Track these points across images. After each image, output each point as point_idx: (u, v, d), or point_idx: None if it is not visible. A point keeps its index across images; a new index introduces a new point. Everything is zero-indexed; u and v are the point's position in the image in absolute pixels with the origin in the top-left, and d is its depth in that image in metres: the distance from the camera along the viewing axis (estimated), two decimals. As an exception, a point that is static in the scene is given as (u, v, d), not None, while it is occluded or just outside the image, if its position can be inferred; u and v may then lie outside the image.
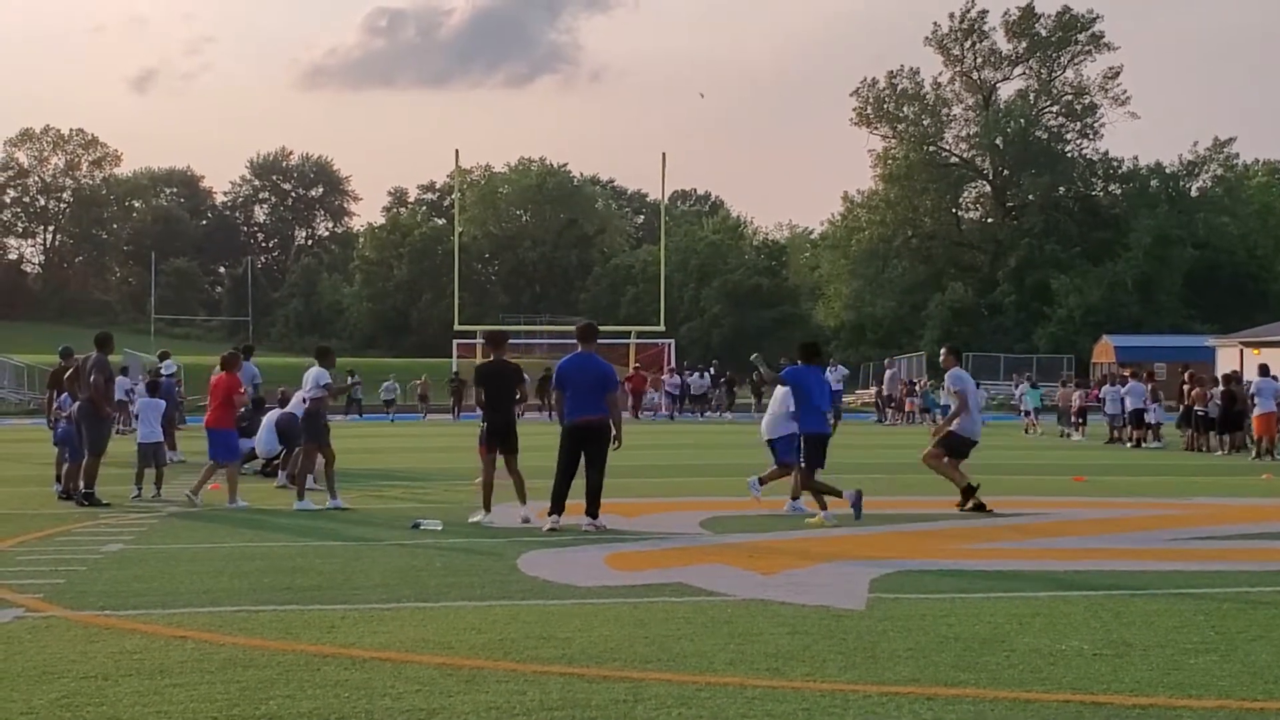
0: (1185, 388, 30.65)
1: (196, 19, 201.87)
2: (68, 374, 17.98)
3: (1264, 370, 27.50)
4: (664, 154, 68.17)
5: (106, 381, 17.42)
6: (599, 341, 15.30)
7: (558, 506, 14.34)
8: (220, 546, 13.22)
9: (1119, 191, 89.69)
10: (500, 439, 14.96)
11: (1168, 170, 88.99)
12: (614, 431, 14.58)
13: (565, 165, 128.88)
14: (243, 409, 21.34)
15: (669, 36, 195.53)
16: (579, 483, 14.25)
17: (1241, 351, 48.86)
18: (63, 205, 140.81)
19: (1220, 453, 27.98)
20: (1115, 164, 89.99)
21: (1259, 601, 9.84)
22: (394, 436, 37.47)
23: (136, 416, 21.04)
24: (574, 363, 14.77)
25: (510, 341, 15.48)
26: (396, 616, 9.26)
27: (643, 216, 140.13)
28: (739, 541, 13.41)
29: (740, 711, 6.66)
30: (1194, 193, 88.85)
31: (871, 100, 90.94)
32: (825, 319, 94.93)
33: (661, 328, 60.84)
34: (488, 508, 14.93)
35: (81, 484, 16.99)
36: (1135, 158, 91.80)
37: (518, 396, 15.50)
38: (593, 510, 14.33)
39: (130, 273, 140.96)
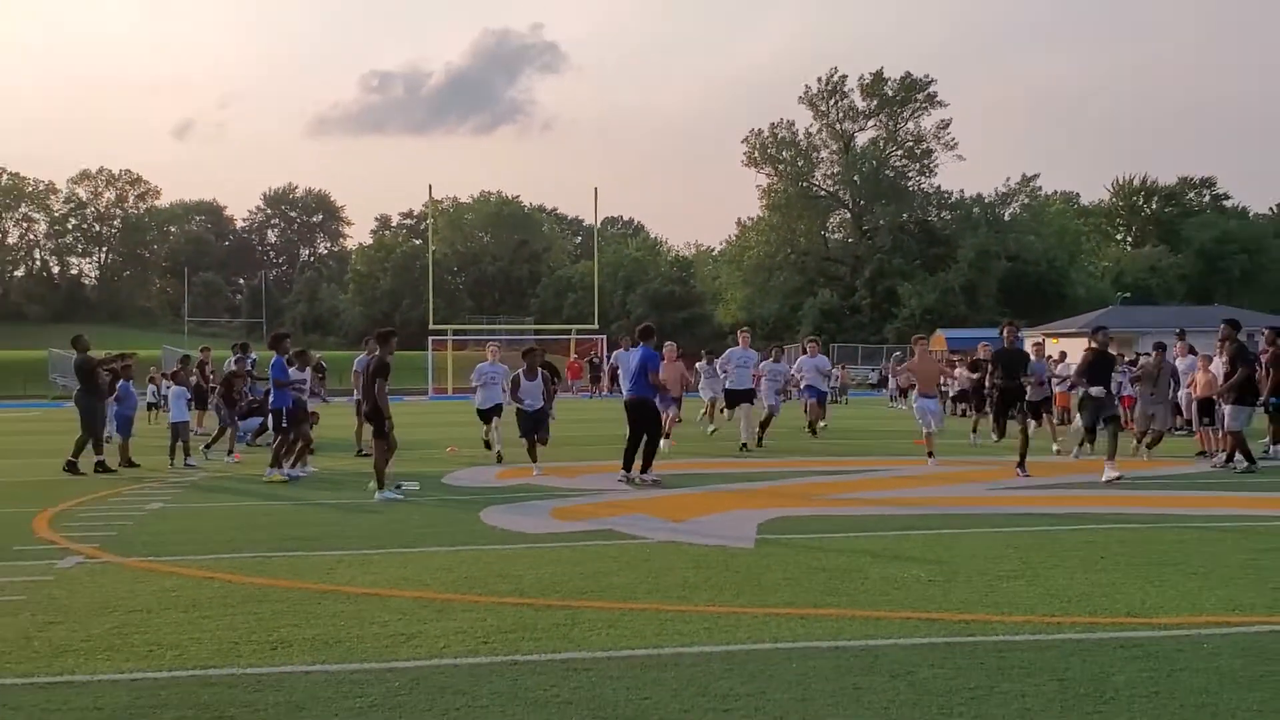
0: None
1: (228, 79, 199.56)
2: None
3: (1064, 355, 28.08)
4: (596, 188, 67.99)
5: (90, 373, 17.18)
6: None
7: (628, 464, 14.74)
8: (240, 505, 13.07)
9: (949, 217, 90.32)
10: (369, 420, 13.88)
11: (986, 200, 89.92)
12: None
13: (518, 196, 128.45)
14: (250, 393, 21.05)
15: (605, 94, 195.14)
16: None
17: (1043, 341, 49.45)
18: (113, 230, 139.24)
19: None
20: (946, 195, 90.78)
21: (1057, 538, 9.98)
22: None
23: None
24: (627, 355, 16.05)
25: (394, 338, 14.56)
26: (383, 560, 9.19)
27: (580, 238, 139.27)
28: (656, 496, 13.44)
29: (655, 630, 6.68)
30: (1007, 217, 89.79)
31: (757, 145, 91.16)
32: (724, 318, 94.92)
33: (596, 326, 60.62)
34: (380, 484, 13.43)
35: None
36: (962, 190, 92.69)
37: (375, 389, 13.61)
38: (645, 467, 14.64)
39: (168, 284, 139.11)
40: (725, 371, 21.04)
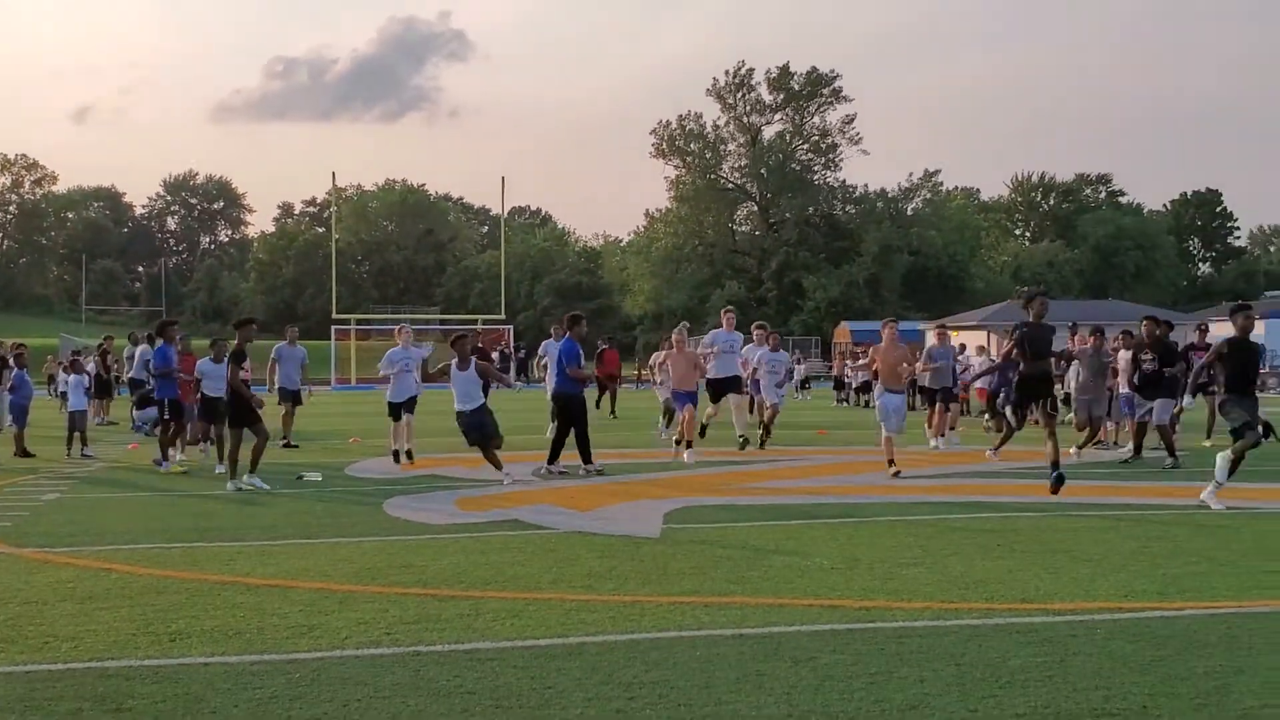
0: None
1: (131, 64, 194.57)
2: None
3: (963, 347, 28.31)
4: (503, 177, 67.48)
5: None
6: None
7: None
8: (137, 496, 12.78)
9: (854, 211, 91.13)
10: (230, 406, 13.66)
11: (890, 194, 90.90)
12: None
13: (424, 185, 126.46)
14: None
15: (513, 82, 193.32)
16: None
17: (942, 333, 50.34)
18: (9, 216, 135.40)
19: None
20: (851, 189, 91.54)
21: (954, 526, 10.18)
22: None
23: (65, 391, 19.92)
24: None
25: (254, 325, 14.47)
26: (284, 551, 9.06)
27: (486, 227, 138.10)
28: (562, 486, 13.42)
29: (560, 620, 6.67)
30: (910, 212, 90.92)
31: (666, 137, 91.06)
32: (632, 309, 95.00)
33: (503, 316, 60.32)
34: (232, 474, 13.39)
35: None
36: (866, 185, 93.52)
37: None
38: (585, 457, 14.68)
39: (65, 272, 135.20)
40: (707, 358, 17.16)
